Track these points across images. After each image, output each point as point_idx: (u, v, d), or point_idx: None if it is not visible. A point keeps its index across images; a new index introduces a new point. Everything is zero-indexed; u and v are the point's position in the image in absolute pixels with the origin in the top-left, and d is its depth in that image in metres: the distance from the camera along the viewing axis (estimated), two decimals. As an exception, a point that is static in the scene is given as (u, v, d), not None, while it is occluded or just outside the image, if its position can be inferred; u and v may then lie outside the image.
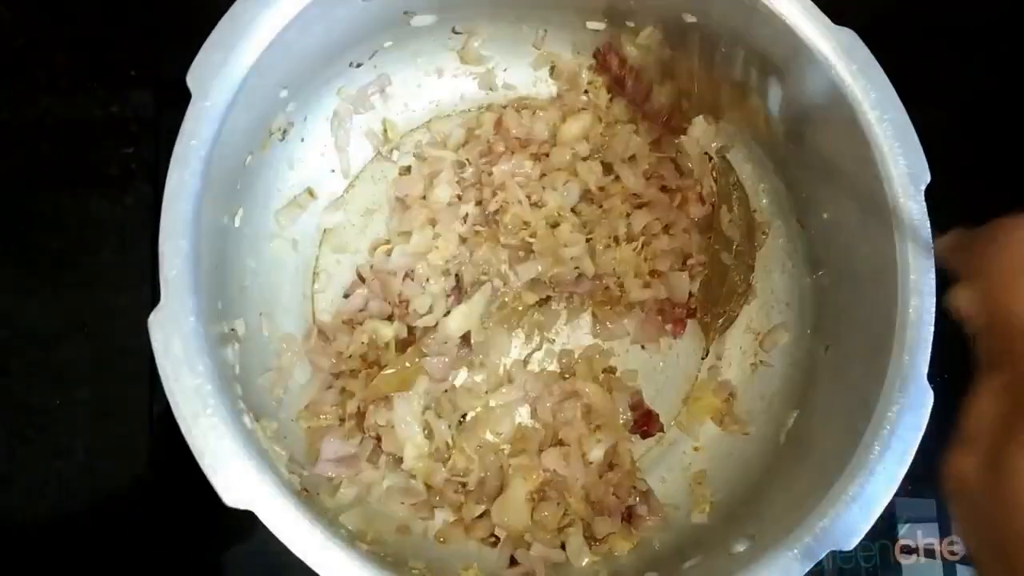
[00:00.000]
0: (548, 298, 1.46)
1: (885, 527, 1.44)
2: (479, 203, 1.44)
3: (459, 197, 1.45)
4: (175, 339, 1.00)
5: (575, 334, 1.48)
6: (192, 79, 1.07)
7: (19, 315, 1.42)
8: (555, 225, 1.44)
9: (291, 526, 1.00)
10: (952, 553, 1.51)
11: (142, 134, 1.50)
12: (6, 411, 1.40)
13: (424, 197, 1.45)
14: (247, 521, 0.99)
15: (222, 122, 1.08)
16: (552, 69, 1.52)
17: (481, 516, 1.34)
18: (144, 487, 1.40)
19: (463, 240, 1.43)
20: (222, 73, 1.08)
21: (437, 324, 1.37)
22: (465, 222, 1.43)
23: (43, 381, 1.42)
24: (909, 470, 1.10)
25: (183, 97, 1.08)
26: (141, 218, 1.46)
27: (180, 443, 0.99)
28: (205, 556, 1.43)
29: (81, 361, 1.42)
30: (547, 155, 1.47)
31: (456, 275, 1.42)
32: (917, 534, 1.51)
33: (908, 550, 1.50)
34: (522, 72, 1.54)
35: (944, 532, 1.52)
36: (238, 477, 0.99)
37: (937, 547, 1.51)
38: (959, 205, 1.38)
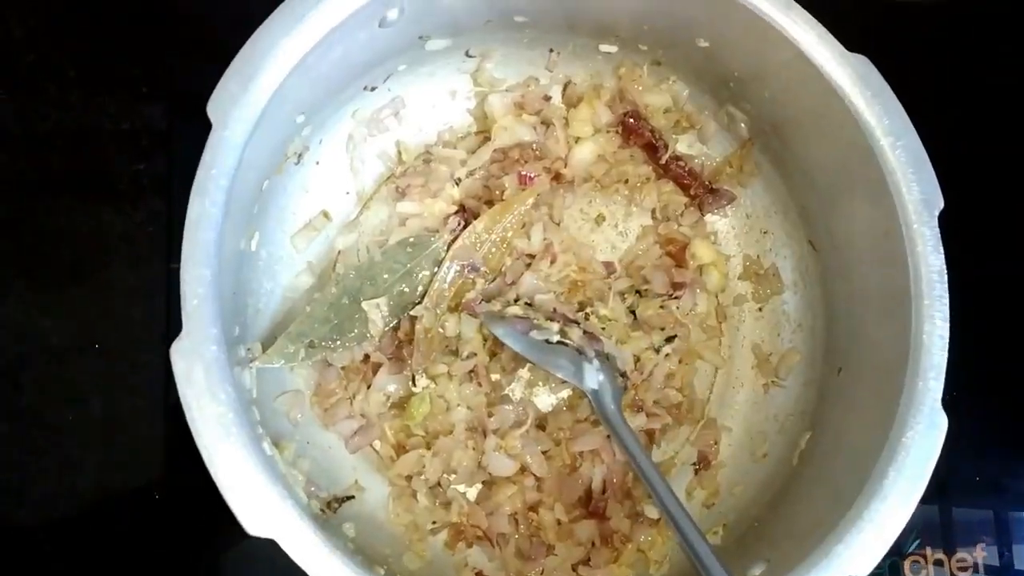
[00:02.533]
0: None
1: (894, 543, 1.45)
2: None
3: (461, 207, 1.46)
4: (197, 368, 1.01)
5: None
6: (213, 109, 1.07)
7: (31, 328, 1.43)
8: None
9: (313, 555, 1.00)
10: (961, 568, 1.53)
11: (153, 149, 1.50)
12: (18, 424, 1.41)
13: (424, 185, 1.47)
14: (257, 537, 0.99)
15: (242, 151, 1.08)
16: (564, 90, 1.52)
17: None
18: (155, 500, 1.41)
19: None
20: (242, 102, 1.08)
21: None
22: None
23: (55, 394, 1.42)
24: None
25: (194, 112, 1.08)
26: (152, 232, 1.47)
27: (191, 457, 1.00)
28: (214, 569, 1.44)
29: (93, 374, 1.43)
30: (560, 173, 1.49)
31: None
32: (927, 550, 1.52)
33: (917, 565, 1.51)
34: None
35: (952, 547, 1.54)
36: (260, 506, 1.00)
37: (946, 561, 1.52)
38: (972, 231, 1.41)
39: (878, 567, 1.48)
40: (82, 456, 1.41)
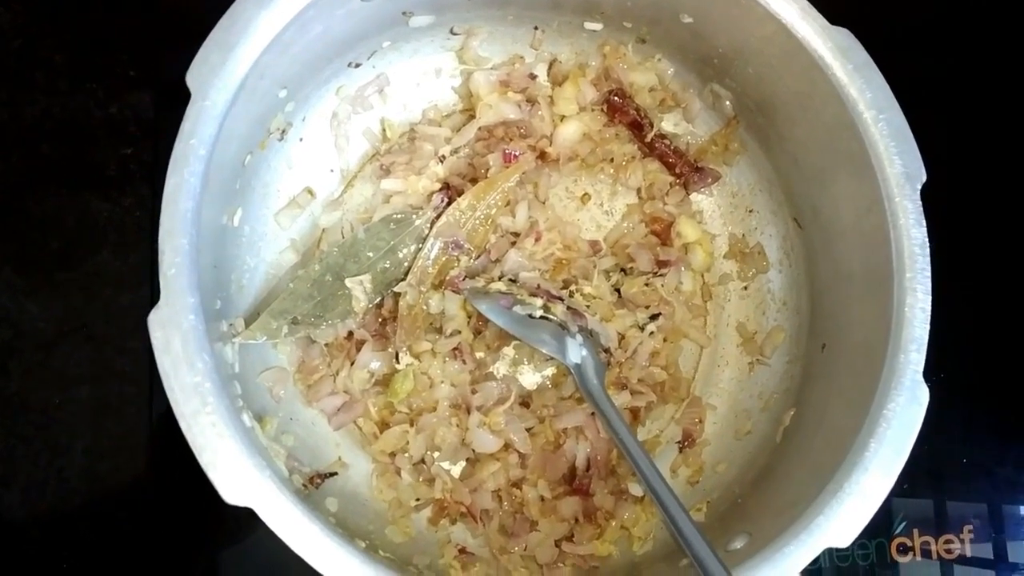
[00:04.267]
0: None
1: (882, 525, 1.44)
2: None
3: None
4: (174, 337, 1.01)
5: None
6: (192, 79, 1.08)
7: (19, 315, 1.43)
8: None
9: (290, 524, 1.00)
10: (948, 552, 1.52)
11: (141, 135, 1.50)
12: (6, 410, 1.41)
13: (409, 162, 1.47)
14: (245, 520, 1.00)
15: (222, 122, 1.08)
16: (550, 68, 1.52)
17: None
18: (143, 486, 1.41)
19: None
20: (222, 73, 1.08)
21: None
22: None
23: (43, 381, 1.42)
24: (906, 468, 1.11)
25: (182, 98, 1.08)
26: (140, 218, 1.48)
27: (179, 442, 1.00)
28: (203, 554, 1.44)
29: (80, 361, 1.43)
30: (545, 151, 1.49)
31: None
32: (913, 532, 1.52)
33: (905, 548, 1.51)
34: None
35: (940, 531, 1.53)
36: (238, 475, 1.00)
37: (933, 546, 1.52)
38: (954, 204, 1.41)
39: (865, 548, 1.50)
40: (69, 442, 1.41)
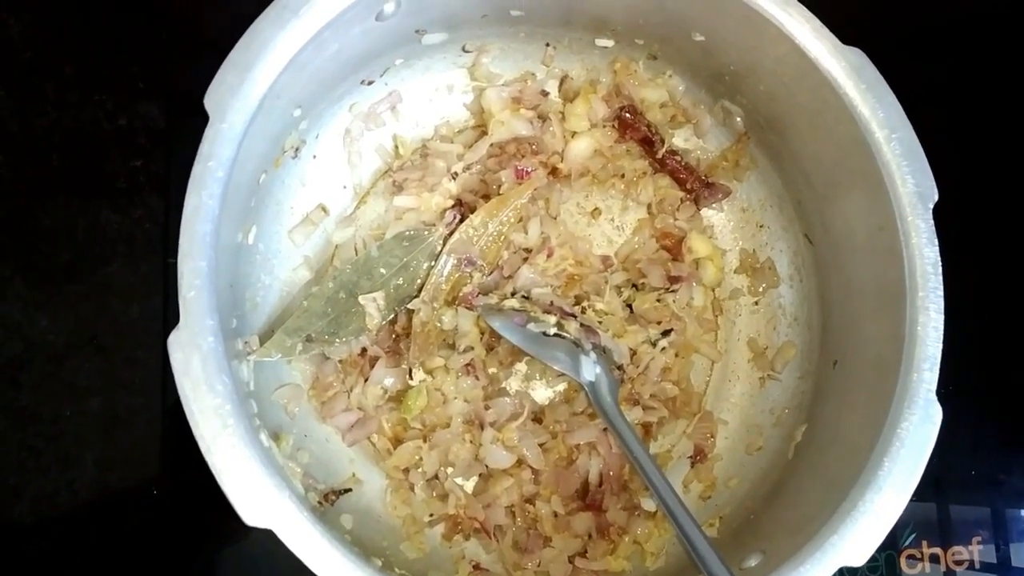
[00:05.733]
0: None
1: (890, 537, 1.44)
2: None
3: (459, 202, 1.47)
4: (194, 359, 1.01)
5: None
6: (210, 101, 1.08)
7: (29, 326, 1.43)
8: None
9: (310, 545, 1.01)
10: (957, 563, 1.53)
11: (151, 146, 1.50)
12: (17, 421, 1.41)
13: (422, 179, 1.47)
14: (255, 532, 0.99)
15: (239, 143, 1.08)
16: (561, 85, 1.53)
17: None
18: (152, 497, 1.41)
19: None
20: (239, 94, 1.09)
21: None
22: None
23: (53, 392, 1.42)
24: (915, 480, 1.11)
25: (192, 110, 1.08)
26: (150, 230, 1.48)
27: (188, 453, 1.00)
28: (212, 565, 1.44)
29: (91, 372, 1.43)
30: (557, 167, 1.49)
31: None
32: (923, 544, 1.52)
33: (913, 559, 1.52)
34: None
35: (949, 541, 1.54)
36: (258, 497, 1.00)
37: (942, 556, 1.53)
38: (967, 223, 1.42)
39: (874, 561, 1.50)
40: (80, 453, 1.41)
